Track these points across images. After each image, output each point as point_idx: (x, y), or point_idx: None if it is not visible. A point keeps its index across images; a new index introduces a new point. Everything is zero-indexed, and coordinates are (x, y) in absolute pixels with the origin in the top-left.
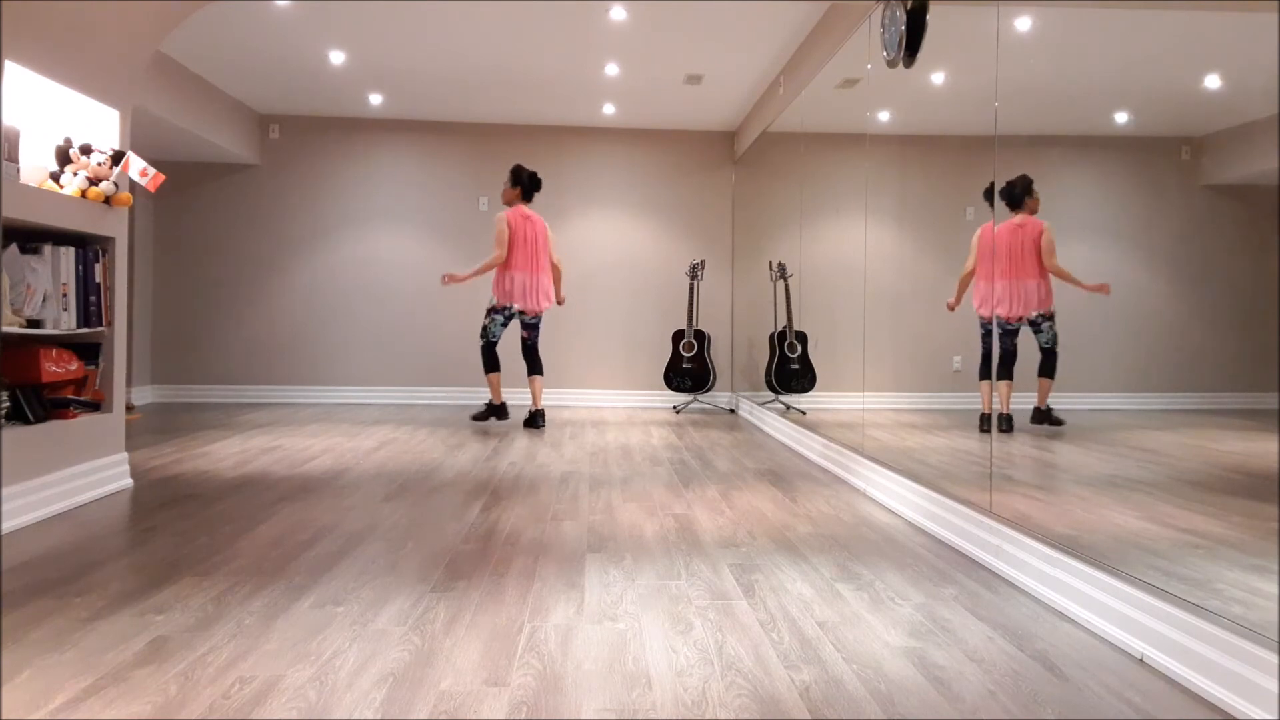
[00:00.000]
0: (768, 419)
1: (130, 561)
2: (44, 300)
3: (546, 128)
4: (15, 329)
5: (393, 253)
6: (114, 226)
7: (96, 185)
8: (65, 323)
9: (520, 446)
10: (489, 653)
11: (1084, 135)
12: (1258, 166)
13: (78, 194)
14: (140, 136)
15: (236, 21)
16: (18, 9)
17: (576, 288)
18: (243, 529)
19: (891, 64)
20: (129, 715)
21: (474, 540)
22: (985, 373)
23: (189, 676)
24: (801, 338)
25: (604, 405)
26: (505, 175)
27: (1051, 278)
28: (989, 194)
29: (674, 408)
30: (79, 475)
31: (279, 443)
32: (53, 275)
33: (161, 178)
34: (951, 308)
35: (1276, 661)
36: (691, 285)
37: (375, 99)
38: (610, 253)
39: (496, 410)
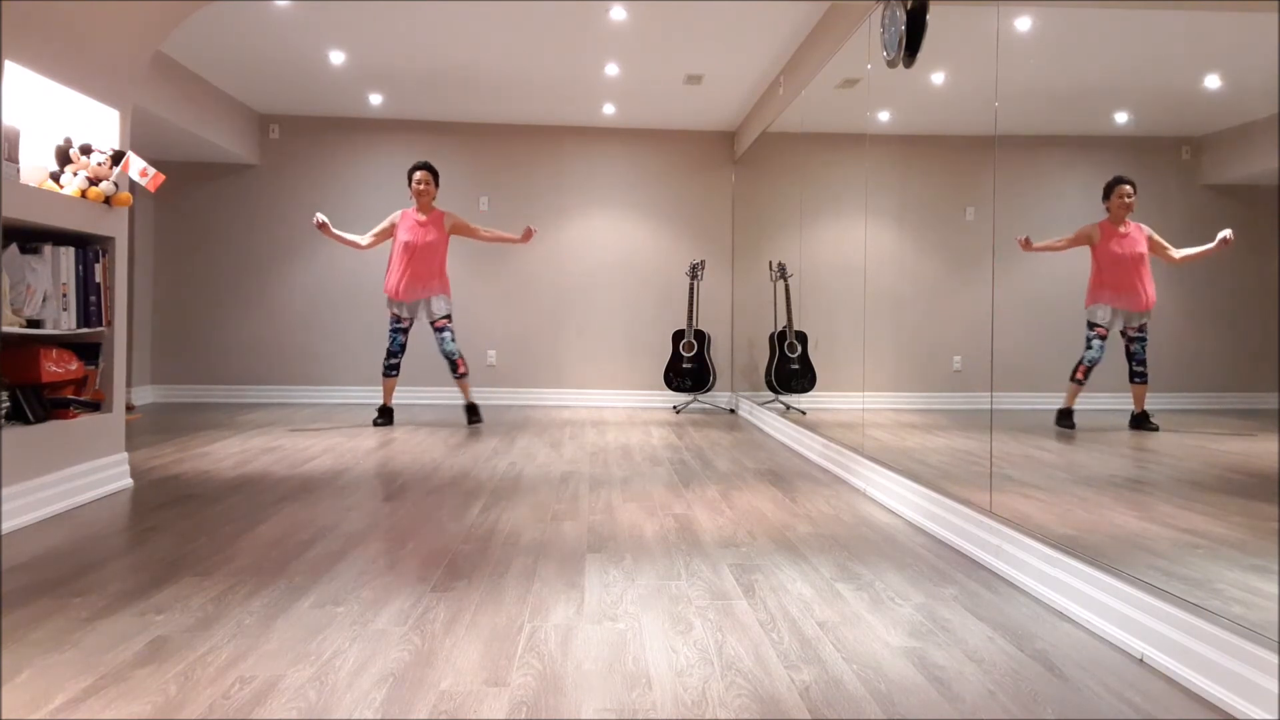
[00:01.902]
0: (768, 419)
1: (130, 561)
2: (44, 300)
3: (546, 128)
4: (15, 329)
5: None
6: (114, 226)
7: (96, 185)
8: (65, 323)
9: (520, 446)
10: (489, 653)
11: (1084, 135)
12: (1258, 166)
13: (78, 194)
14: (140, 136)
15: (236, 21)
16: (18, 9)
17: (577, 288)
18: (243, 529)
19: (891, 64)
20: (129, 715)
21: (474, 540)
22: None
23: (189, 676)
24: (801, 338)
25: (604, 405)
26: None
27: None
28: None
29: (674, 408)
30: (79, 475)
31: (279, 443)
32: (53, 275)
33: (161, 178)
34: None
35: (1276, 661)
36: (691, 285)
37: (375, 99)
38: (610, 253)
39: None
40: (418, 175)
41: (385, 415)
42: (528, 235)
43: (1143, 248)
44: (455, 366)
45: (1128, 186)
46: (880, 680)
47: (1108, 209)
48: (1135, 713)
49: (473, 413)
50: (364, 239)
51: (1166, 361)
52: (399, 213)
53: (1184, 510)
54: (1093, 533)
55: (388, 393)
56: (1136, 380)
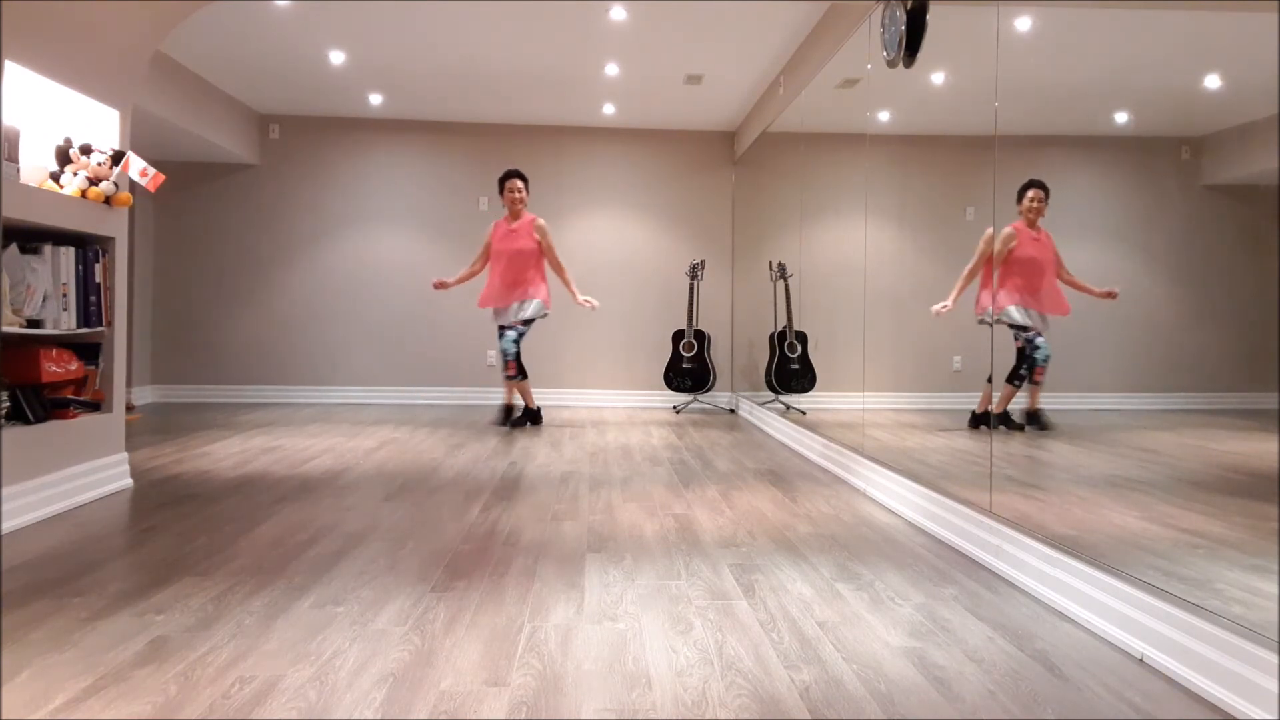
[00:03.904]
0: (768, 419)
1: (130, 561)
2: (44, 300)
3: (546, 128)
4: (15, 329)
5: (393, 252)
6: (114, 226)
7: (96, 185)
8: (65, 323)
9: (520, 446)
10: (489, 653)
11: (1084, 135)
12: (1258, 166)
13: (78, 194)
14: (140, 136)
15: (236, 21)
16: (18, 9)
17: (578, 287)
18: (243, 529)
19: (891, 64)
20: (129, 715)
21: (474, 540)
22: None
23: (189, 676)
24: (801, 338)
25: (604, 405)
26: (505, 176)
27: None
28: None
29: (674, 408)
30: (79, 475)
31: (279, 443)
32: (53, 275)
33: (161, 178)
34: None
35: (1276, 661)
36: (691, 285)
37: (375, 99)
38: (610, 253)
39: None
40: (509, 184)
41: (514, 415)
42: (583, 303)
43: (1051, 253)
44: (506, 366)
45: (1039, 191)
46: (880, 680)
47: (1020, 211)
48: (1135, 713)
49: (508, 415)
50: (473, 266)
51: (1166, 362)
52: (492, 225)
53: (1184, 510)
54: (1093, 532)
55: (511, 393)
56: (1015, 382)
